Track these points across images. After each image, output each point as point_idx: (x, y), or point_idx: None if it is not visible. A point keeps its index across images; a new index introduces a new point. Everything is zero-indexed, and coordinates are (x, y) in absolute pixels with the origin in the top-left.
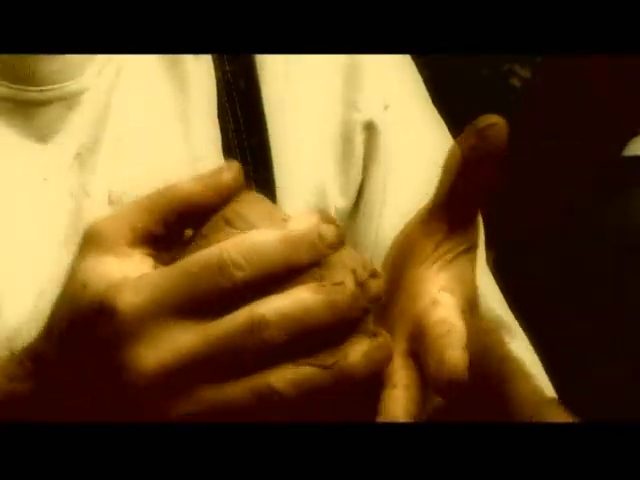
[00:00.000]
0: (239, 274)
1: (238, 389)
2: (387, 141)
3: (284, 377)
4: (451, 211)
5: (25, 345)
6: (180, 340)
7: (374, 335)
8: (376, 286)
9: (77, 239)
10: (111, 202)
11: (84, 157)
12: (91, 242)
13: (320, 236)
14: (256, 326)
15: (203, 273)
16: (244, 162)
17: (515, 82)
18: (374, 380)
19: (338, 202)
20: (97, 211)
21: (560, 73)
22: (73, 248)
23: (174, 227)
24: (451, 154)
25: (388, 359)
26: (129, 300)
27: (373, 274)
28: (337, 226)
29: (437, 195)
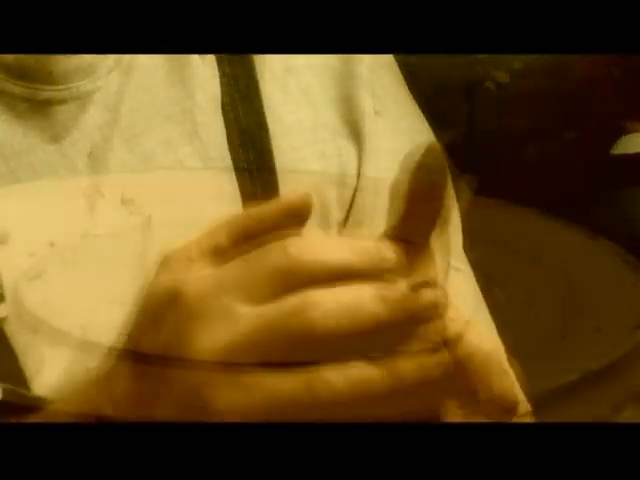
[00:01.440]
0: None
1: (290, 380)
2: (375, 147)
3: (338, 372)
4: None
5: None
6: (238, 322)
7: (436, 347)
8: (431, 293)
9: (90, 239)
10: (124, 202)
11: (96, 157)
12: (161, 268)
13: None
14: (309, 305)
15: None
16: (249, 165)
17: (490, 85)
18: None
19: (336, 211)
20: (110, 211)
21: (548, 72)
22: (86, 249)
23: (239, 241)
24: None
25: (441, 374)
26: (192, 289)
27: (426, 283)
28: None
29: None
